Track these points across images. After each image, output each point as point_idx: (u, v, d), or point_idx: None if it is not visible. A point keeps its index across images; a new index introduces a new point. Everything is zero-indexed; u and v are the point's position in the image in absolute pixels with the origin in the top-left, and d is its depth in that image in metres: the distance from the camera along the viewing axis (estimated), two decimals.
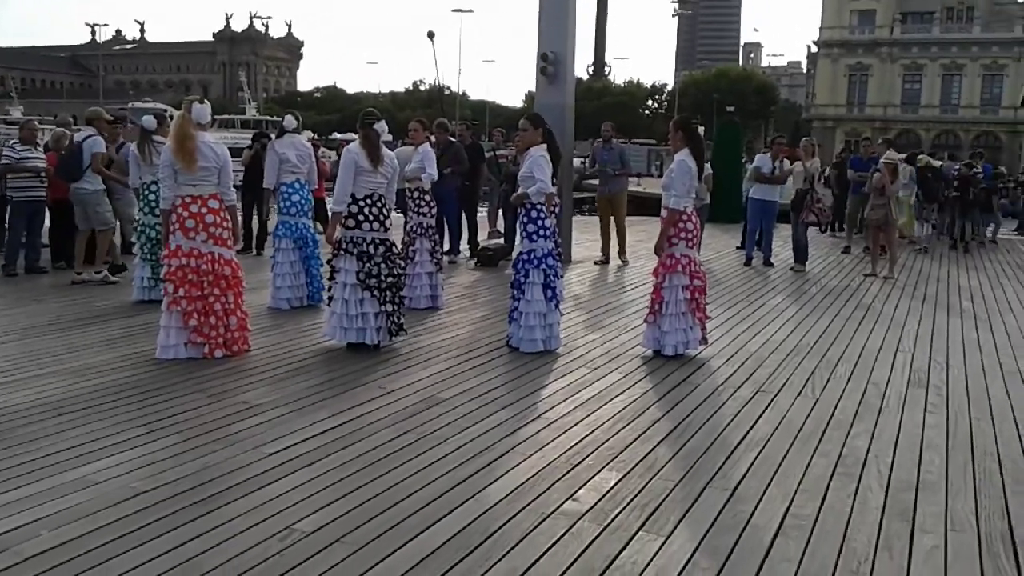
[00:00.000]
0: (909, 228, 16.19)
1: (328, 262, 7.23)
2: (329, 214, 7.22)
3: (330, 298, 7.14)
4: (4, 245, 10.87)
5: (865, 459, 4.91)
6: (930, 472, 4.75)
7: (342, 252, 6.97)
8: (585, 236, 14.77)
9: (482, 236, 13.74)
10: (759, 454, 4.92)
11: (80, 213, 9.92)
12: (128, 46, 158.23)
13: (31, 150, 10.48)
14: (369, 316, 6.96)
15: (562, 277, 9.23)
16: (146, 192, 8.97)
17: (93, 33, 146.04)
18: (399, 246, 7.57)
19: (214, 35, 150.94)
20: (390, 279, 7.06)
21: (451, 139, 12.46)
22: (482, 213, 16.32)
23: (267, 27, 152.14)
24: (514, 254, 7.50)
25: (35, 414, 5.27)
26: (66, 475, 4.33)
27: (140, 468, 4.45)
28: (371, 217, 6.95)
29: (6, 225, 10.93)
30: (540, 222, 7.12)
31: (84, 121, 10.60)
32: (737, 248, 14.76)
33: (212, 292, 6.72)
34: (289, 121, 9.04)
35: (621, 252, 12.87)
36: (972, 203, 16.71)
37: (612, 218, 12.96)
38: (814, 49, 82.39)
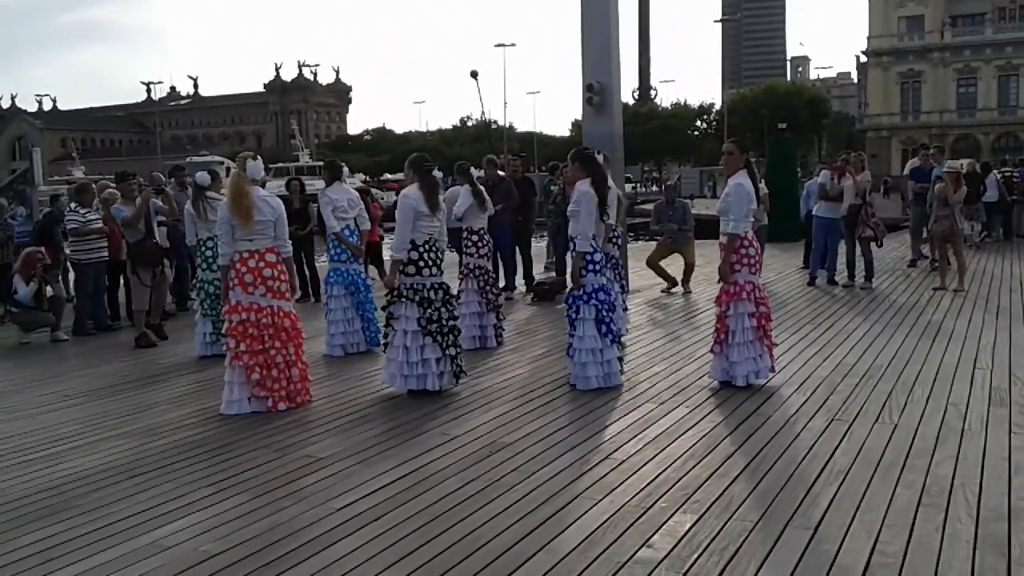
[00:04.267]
0: None
1: (384, 308, 7.18)
2: (386, 259, 7.24)
3: (386, 344, 7.11)
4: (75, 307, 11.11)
5: (951, 488, 4.69)
6: (1022, 499, 4.51)
7: (403, 299, 6.92)
8: (641, 264, 14.60)
9: (540, 269, 13.70)
10: (839, 488, 4.73)
11: None
12: (183, 102, 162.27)
13: (91, 212, 10.70)
14: (431, 362, 6.92)
15: (628, 309, 9.21)
16: (203, 248, 9.08)
17: (148, 91, 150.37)
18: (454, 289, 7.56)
19: (265, 86, 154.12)
20: (451, 323, 7.04)
21: (500, 173, 12.46)
22: (542, 245, 16.33)
23: (315, 74, 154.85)
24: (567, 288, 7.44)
25: (106, 478, 5.32)
26: (138, 540, 4.33)
27: (210, 530, 4.44)
28: (430, 263, 6.94)
29: (72, 287, 11.21)
30: (589, 256, 7.03)
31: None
32: (800, 268, 14.47)
33: (273, 345, 6.74)
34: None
35: (685, 281, 12.73)
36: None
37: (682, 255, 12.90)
38: (863, 59, 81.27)
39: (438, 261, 7.01)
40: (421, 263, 6.91)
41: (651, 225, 13.19)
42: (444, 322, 6.98)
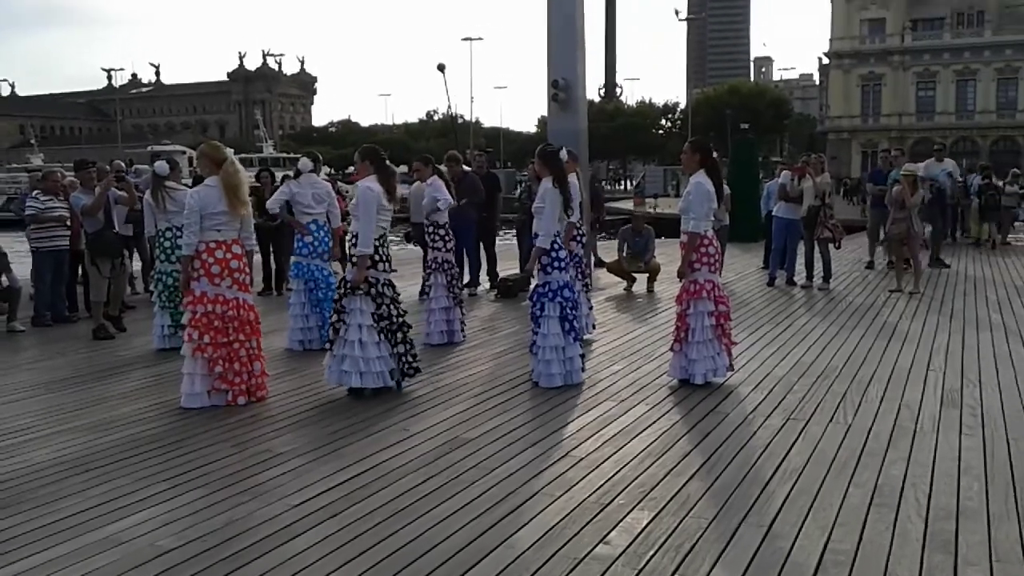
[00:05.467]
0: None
1: (336, 301, 6.90)
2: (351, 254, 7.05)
3: (331, 341, 6.82)
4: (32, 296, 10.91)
5: (902, 488, 4.78)
6: (970, 499, 4.62)
7: (357, 293, 6.72)
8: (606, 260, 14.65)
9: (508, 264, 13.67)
10: (793, 487, 4.80)
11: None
12: (144, 89, 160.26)
13: (53, 200, 10.52)
14: (386, 358, 6.80)
15: (592, 308, 9.25)
16: (161, 239, 8.97)
17: (109, 78, 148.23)
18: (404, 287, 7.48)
19: (228, 75, 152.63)
20: (400, 319, 6.91)
21: (465, 169, 12.46)
22: (510, 242, 16.30)
23: (280, 64, 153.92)
24: (531, 285, 7.43)
25: (58, 472, 5.24)
26: (90, 535, 4.28)
27: (166, 525, 4.39)
28: (384, 257, 6.80)
29: (31, 276, 11.00)
30: (554, 254, 7.05)
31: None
32: (760, 268, 14.63)
33: (237, 338, 6.67)
34: (304, 163, 8.95)
35: (651, 280, 12.85)
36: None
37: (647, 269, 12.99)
38: (825, 61, 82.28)
39: (388, 256, 6.86)
40: (376, 257, 6.74)
41: (618, 249, 13.32)
42: (394, 319, 6.85)
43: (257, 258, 10.82)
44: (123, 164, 13.48)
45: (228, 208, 6.56)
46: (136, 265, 12.72)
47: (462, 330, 9.13)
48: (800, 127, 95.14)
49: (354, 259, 6.79)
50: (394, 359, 6.86)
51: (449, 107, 74.36)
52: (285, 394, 7.02)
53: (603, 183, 15.76)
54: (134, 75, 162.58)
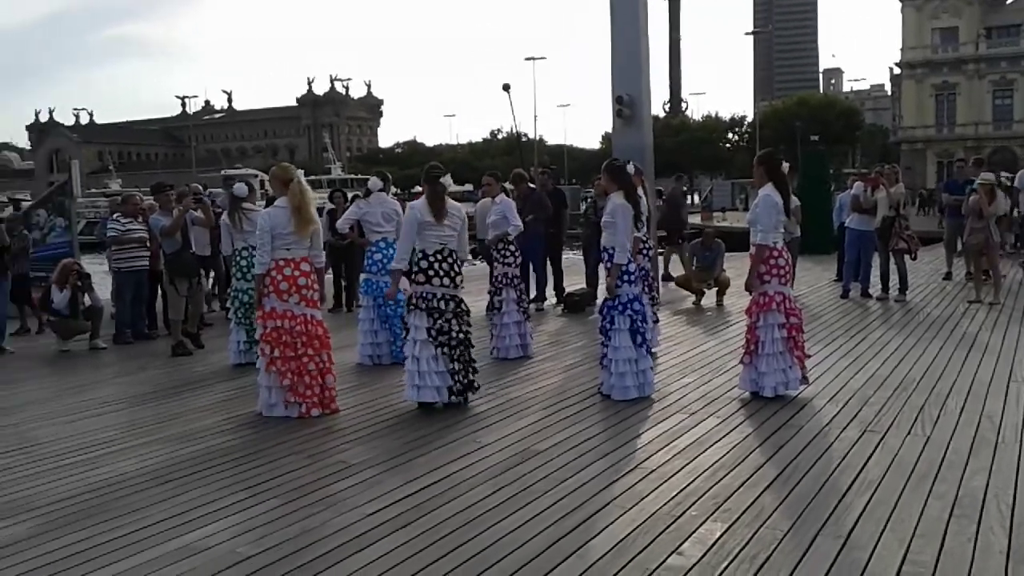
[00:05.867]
0: None
1: (402, 318, 7.14)
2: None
3: (406, 356, 6.99)
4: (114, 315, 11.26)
5: (984, 499, 4.65)
6: None
7: (413, 308, 6.84)
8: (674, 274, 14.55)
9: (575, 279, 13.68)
10: (871, 498, 4.70)
11: None
12: (217, 115, 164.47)
13: (132, 222, 10.88)
14: (445, 374, 6.79)
15: (658, 321, 9.19)
16: (238, 259, 9.20)
17: (183, 105, 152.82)
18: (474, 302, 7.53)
19: (297, 100, 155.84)
20: (460, 336, 6.89)
21: (531, 186, 12.52)
22: (575, 257, 16.32)
23: (347, 88, 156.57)
24: (599, 299, 7.42)
25: (140, 482, 5.40)
26: (173, 543, 4.40)
27: (244, 533, 4.50)
28: (441, 272, 6.79)
29: (112, 296, 11.37)
30: (623, 267, 7.04)
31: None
32: (834, 280, 14.37)
33: (306, 352, 6.81)
34: (374, 183, 9.13)
35: (720, 294, 12.71)
36: None
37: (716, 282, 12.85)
38: (897, 71, 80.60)
39: (451, 272, 6.83)
40: (431, 272, 6.77)
41: (687, 263, 13.21)
42: (454, 334, 6.84)
43: (328, 275, 11.05)
44: (199, 187, 13.85)
45: (294, 228, 6.73)
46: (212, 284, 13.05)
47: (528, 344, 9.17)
48: (872, 138, 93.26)
49: (412, 275, 6.91)
50: (454, 375, 6.85)
51: (513, 126, 74.68)
52: (357, 407, 7.13)
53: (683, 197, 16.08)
54: (207, 102, 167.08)
